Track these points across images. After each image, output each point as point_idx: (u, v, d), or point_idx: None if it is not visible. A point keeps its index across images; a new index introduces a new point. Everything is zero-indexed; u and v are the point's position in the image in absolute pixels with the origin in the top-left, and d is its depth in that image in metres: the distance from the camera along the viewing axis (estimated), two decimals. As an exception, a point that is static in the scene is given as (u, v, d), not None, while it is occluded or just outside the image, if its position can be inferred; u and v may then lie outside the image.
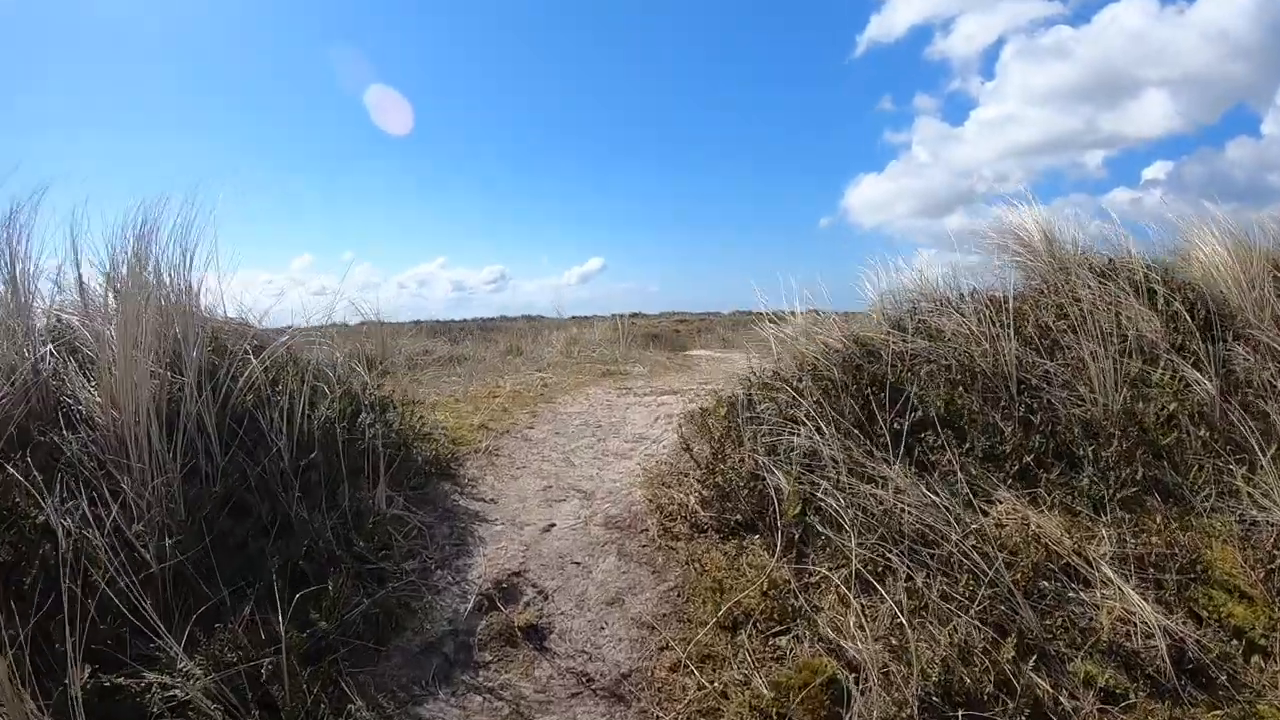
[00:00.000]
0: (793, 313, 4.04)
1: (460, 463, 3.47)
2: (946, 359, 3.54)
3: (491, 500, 3.18)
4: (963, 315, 3.74)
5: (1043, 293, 4.33)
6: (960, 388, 3.38)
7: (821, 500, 2.67)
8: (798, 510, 2.67)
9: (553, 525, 2.96)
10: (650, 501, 3.01)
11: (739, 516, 2.76)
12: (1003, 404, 3.36)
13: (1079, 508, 2.88)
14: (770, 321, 4.01)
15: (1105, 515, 2.80)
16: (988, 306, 3.81)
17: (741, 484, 2.80)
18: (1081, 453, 3.08)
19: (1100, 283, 4.12)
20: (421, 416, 3.70)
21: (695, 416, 3.71)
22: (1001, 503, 2.86)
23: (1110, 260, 4.52)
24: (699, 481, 2.92)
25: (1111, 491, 2.89)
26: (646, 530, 2.85)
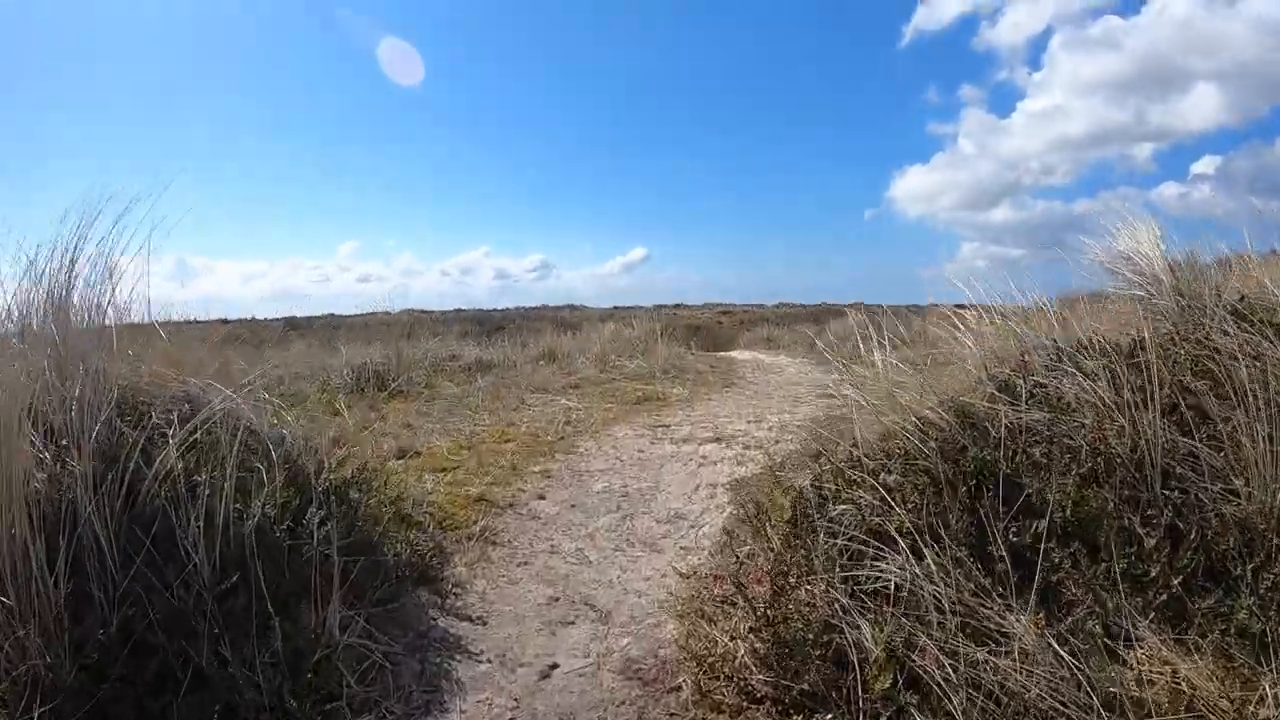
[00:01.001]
0: (872, 360, 3.23)
1: (447, 558, 2.75)
2: (1070, 436, 2.72)
3: (480, 619, 2.46)
4: (1086, 375, 2.91)
5: (1172, 340, 3.46)
6: (1091, 482, 2.57)
7: (921, 668, 1.90)
8: (888, 684, 1.90)
9: (554, 667, 2.23)
10: (685, 644, 2.25)
11: (805, 685, 1.99)
12: (1144, 503, 2.53)
13: (1236, 651, 2.06)
14: (839, 369, 3.21)
15: (1272, 662, 1.98)
16: (1114, 356, 2.98)
17: (810, 636, 2.04)
18: (1238, 571, 2.25)
19: (1238, 325, 3.25)
20: (402, 494, 2.99)
21: (749, 508, 2.94)
22: (1143, 645, 2.06)
23: (1242, 296, 3.61)
24: (752, 628, 2.15)
25: (1274, 628, 2.06)
26: (678, 690, 2.11)
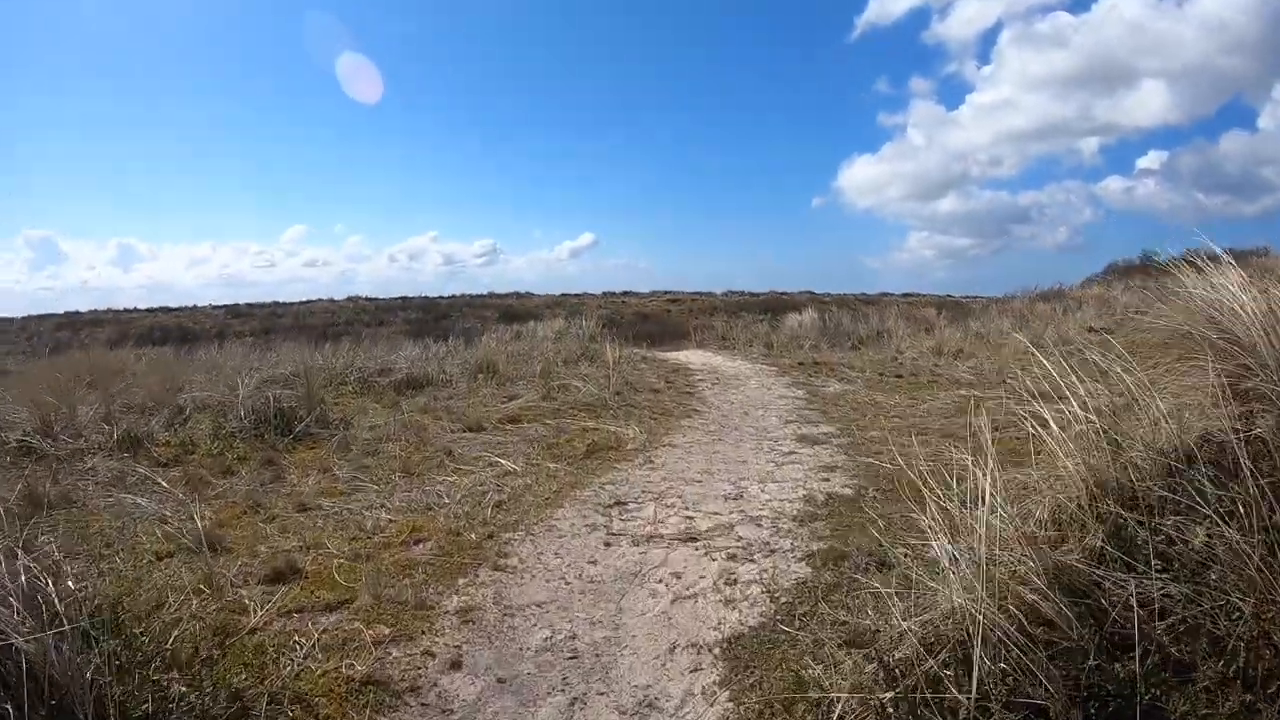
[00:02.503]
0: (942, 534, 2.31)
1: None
2: (1215, 621, 1.88)
3: None
4: (1217, 519, 2.06)
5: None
6: (1247, 691, 1.74)
7: None
8: None
9: None
10: None
11: None
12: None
13: None
14: (932, 524, 2.28)
15: None
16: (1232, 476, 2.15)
17: None
18: None
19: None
20: (250, 687, 2.02)
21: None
22: None
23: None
24: None
25: None
26: None
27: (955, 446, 2.42)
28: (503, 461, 4.55)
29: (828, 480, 4.28)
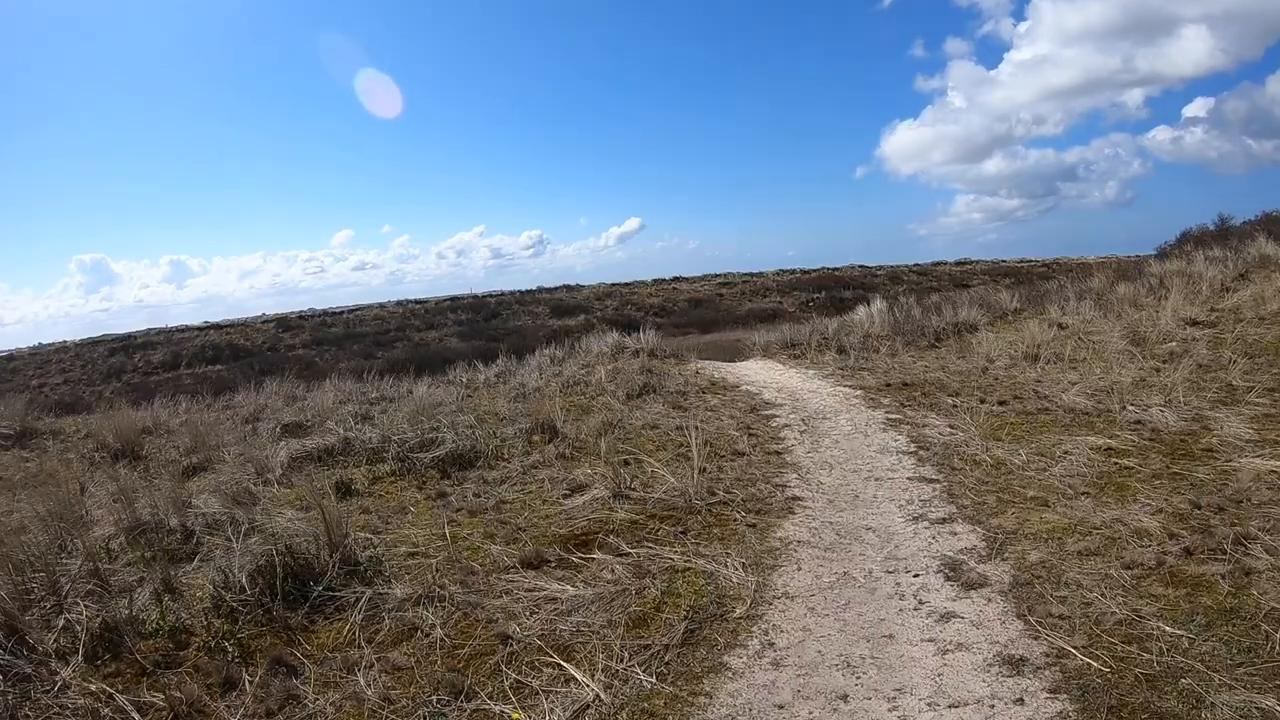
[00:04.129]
0: None
1: None
2: None
3: None
4: None
5: None
6: None
7: None
8: None
9: None
10: None
11: None
12: None
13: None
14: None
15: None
16: None
17: None
18: None
19: None
20: None
21: None
22: None
23: None
24: None
25: None
26: None
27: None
28: (575, 674, 3.47)
29: (1023, 705, 3.11)
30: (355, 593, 4.22)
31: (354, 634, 3.89)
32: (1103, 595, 3.79)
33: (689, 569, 4.43)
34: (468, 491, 5.97)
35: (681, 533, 4.97)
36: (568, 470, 6.26)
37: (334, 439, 7.59)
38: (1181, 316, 10.03)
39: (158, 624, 3.94)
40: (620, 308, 39.54)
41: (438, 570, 4.54)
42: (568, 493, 5.78)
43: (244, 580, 4.19)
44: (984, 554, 4.43)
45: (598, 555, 4.67)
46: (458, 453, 6.84)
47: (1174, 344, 9.05)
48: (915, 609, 3.92)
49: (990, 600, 3.92)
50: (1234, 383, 7.32)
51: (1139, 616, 3.58)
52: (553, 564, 4.62)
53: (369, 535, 5.06)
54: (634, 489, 5.65)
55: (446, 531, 5.08)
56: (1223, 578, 3.80)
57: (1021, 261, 49.49)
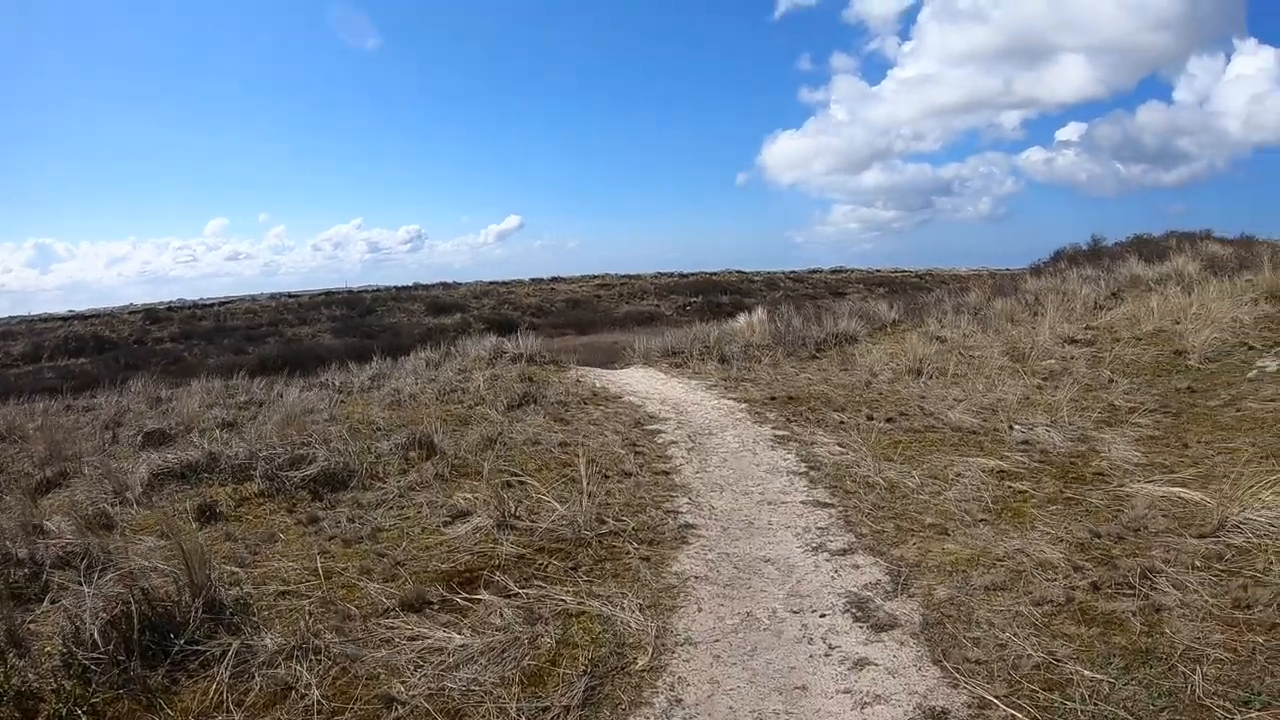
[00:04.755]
0: None
1: None
2: None
3: None
4: None
5: None
6: None
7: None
8: None
9: None
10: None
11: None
12: None
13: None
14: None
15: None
16: None
17: None
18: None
19: None
20: None
21: None
22: None
23: None
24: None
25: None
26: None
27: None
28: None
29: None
30: (221, 644, 3.61)
31: (221, 695, 3.31)
32: (1016, 636, 3.58)
33: (584, 612, 3.98)
34: (341, 516, 5.40)
35: (573, 569, 4.51)
36: (448, 493, 5.72)
37: (198, 454, 6.83)
38: (1059, 334, 10.34)
39: (0, 688, 3.19)
40: (498, 307, 38.76)
41: (311, 614, 3.97)
42: (448, 520, 5.26)
43: (96, 634, 3.48)
44: (889, 590, 4.16)
45: (484, 596, 4.17)
46: (330, 471, 6.24)
47: (1053, 361, 9.28)
48: (826, 655, 3.60)
49: (903, 644, 3.64)
50: (1116, 403, 7.47)
51: (1056, 659, 3.38)
52: (436, 606, 4.11)
53: (235, 569, 4.46)
54: (519, 516, 5.15)
55: (319, 565, 4.49)
56: (1134, 615, 3.65)
57: (895, 271, 51.73)
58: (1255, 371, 7.92)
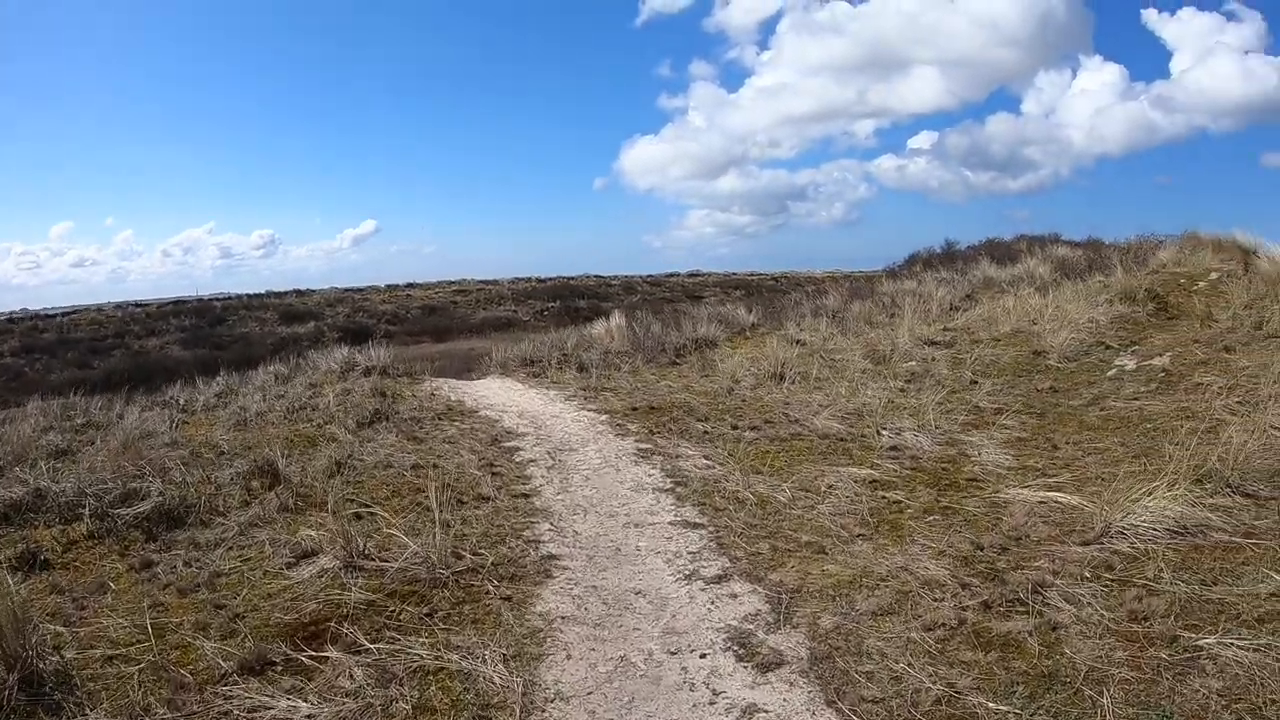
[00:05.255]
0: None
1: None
2: None
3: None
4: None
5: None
6: None
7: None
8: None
9: None
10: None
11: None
12: None
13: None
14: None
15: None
16: None
17: None
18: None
19: None
20: None
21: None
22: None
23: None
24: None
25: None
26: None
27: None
28: None
29: None
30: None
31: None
32: (911, 666, 3.26)
33: (442, 669, 3.42)
34: (177, 560, 4.68)
35: (428, 615, 3.92)
36: (292, 529, 5.00)
37: (22, 491, 5.82)
38: (918, 336, 10.42)
39: None
40: (352, 315, 36.95)
41: (142, 684, 3.34)
42: (292, 560, 4.59)
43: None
44: (771, 621, 3.76)
45: (332, 654, 3.55)
46: (166, 507, 5.43)
47: (914, 364, 9.29)
48: (711, 703, 3.16)
49: (793, 684, 3.25)
50: (981, 404, 7.45)
51: (956, 691, 3.07)
52: (279, 667, 3.49)
53: (60, 629, 3.81)
54: (369, 555, 4.49)
55: (150, 622, 3.81)
56: (1030, 635, 3.39)
57: (752, 274, 52.80)
58: (1115, 370, 8.13)
